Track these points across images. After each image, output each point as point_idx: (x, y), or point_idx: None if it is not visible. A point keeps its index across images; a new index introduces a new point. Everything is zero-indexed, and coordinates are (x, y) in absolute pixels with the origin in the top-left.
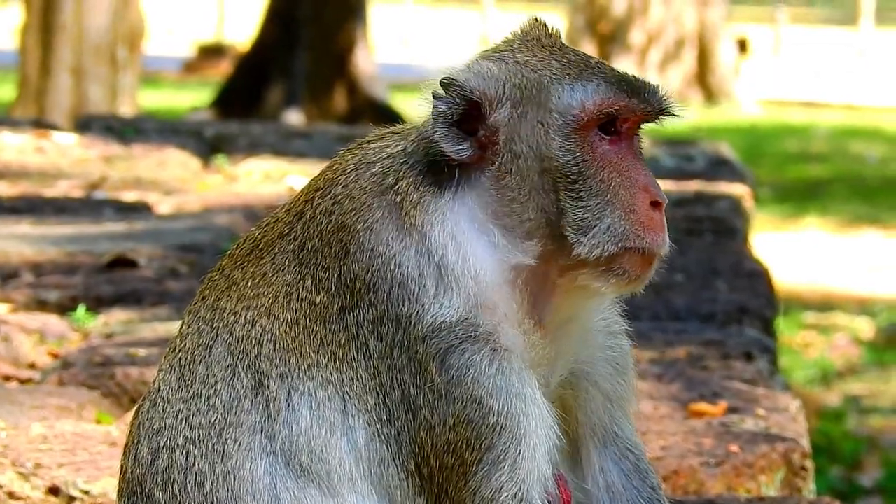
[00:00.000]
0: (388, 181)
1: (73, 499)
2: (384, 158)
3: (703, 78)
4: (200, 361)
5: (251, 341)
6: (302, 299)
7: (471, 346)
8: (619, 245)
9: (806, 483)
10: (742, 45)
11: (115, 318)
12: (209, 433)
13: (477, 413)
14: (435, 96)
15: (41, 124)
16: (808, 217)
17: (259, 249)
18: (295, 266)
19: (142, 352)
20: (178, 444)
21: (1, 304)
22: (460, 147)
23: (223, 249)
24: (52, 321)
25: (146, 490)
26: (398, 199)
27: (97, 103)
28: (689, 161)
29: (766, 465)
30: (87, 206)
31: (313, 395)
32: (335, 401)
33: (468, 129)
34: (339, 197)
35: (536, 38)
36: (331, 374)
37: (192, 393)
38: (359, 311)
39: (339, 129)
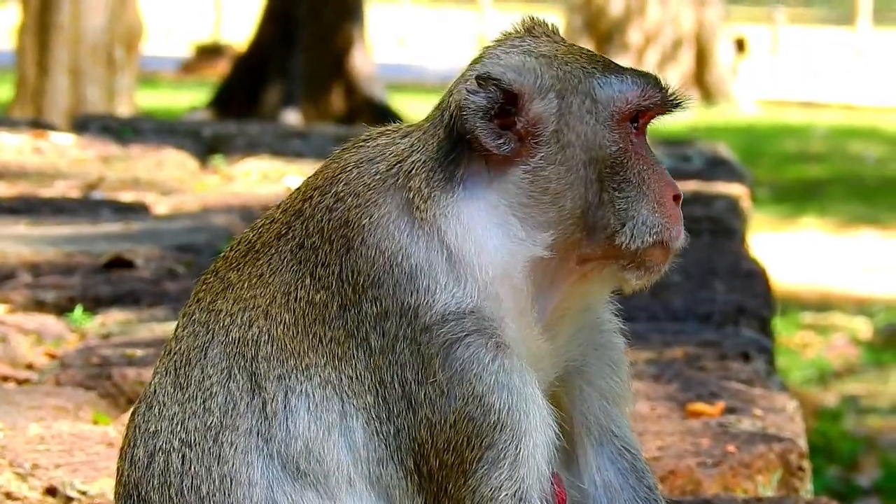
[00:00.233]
0: (394, 177)
1: (70, 499)
2: (389, 156)
3: (701, 78)
4: (196, 364)
5: (247, 343)
6: (300, 298)
7: (477, 340)
8: (655, 237)
9: (803, 483)
10: (740, 45)
11: (113, 318)
12: (205, 436)
13: (478, 410)
14: (470, 91)
15: (39, 125)
16: (805, 217)
17: (255, 251)
18: (293, 265)
19: (139, 352)
20: (174, 448)
21: None
22: (500, 142)
23: (220, 250)
24: (50, 321)
25: (143, 493)
26: (409, 195)
27: (95, 103)
28: (687, 161)
29: (764, 466)
30: (84, 207)
31: (311, 396)
32: (333, 401)
33: (502, 123)
34: (342, 194)
35: (543, 33)
36: (329, 373)
37: (187, 396)
38: (360, 308)
39: (336, 129)
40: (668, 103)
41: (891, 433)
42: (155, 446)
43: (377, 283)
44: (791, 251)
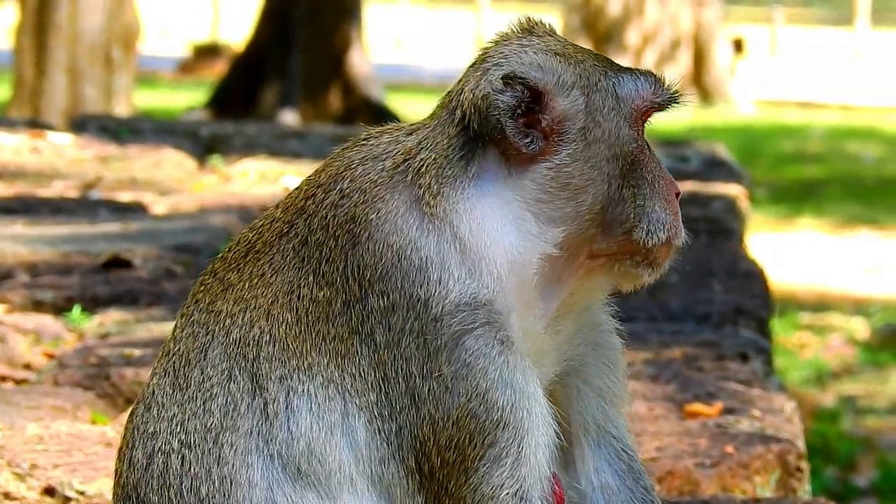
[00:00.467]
0: (402, 174)
1: (68, 499)
2: (396, 154)
3: (699, 78)
4: (196, 365)
5: (249, 343)
6: (303, 297)
7: (487, 332)
8: (667, 234)
9: (801, 484)
10: (738, 46)
11: (111, 318)
12: (205, 437)
13: (481, 407)
14: (497, 91)
15: (36, 124)
16: (803, 217)
17: (256, 251)
18: (296, 263)
19: (137, 352)
20: (173, 449)
21: None
22: (527, 140)
23: (218, 250)
24: (48, 321)
25: (142, 495)
26: (418, 191)
27: (92, 103)
28: (685, 161)
29: (762, 466)
30: (82, 207)
31: (313, 396)
32: (336, 401)
33: (526, 122)
34: (347, 190)
35: (545, 33)
36: (332, 372)
37: (187, 397)
38: (366, 303)
39: (334, 129)
40: (672, 101)
41: (888, 433)
42: (154, 448)
43: (384, 277)
44: (789, 251)
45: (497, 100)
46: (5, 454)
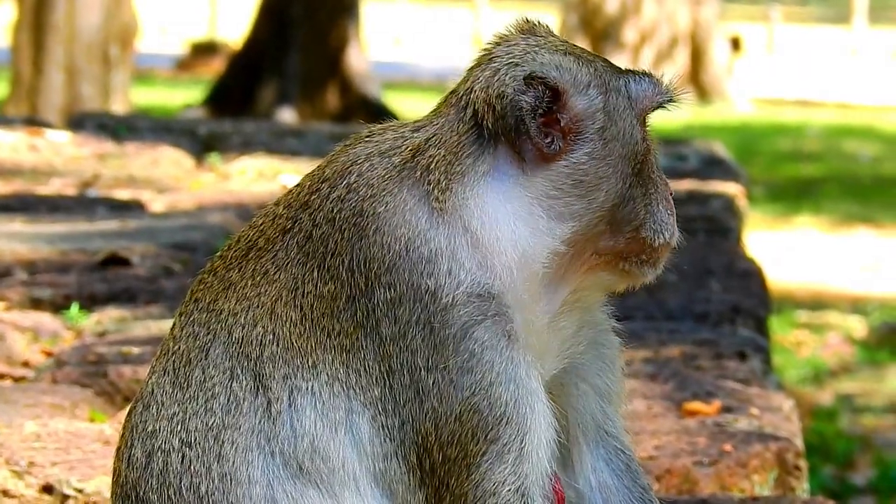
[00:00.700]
0: (411, 170)
1: (66, 497)
2: (403, 150)
3: (697, 76)
4: (197, 364)
5: (251, 343)
6: (308, 293)
7: (496, 325)
8: (670, 233)
9: (799, 482)
10: (735, 44)
11: (109, 316)
12: (206, 436)
13: (485, 402)
14: (519, 91)
15: (34, 122)
16: (801, 216)
17: (258, 248)
18: (300, 259)
19: (135, 350)
20: (173, 448)
21: None
22: (548, 140)
23: (216, 248)
24: (46, 319)
25: (141, 493)
26: (428, 187)
27: (90, 101)
28: (682, 160)
29: (760, 465)
30: (80, 205)
31: (318, 394)
32: (340, 398)
33: (545, 121)
34: (355, 185)
35: (546, 33)
36: (336, 368)
37: (187, 396)
38: (372, 295)
39: (332, 127)
40: (671, 100)
41: (886, 432)
42: (153, 446)
43: (391, 269)
44: (786, 250)
45: (519, 100)
46: (3, 452)
